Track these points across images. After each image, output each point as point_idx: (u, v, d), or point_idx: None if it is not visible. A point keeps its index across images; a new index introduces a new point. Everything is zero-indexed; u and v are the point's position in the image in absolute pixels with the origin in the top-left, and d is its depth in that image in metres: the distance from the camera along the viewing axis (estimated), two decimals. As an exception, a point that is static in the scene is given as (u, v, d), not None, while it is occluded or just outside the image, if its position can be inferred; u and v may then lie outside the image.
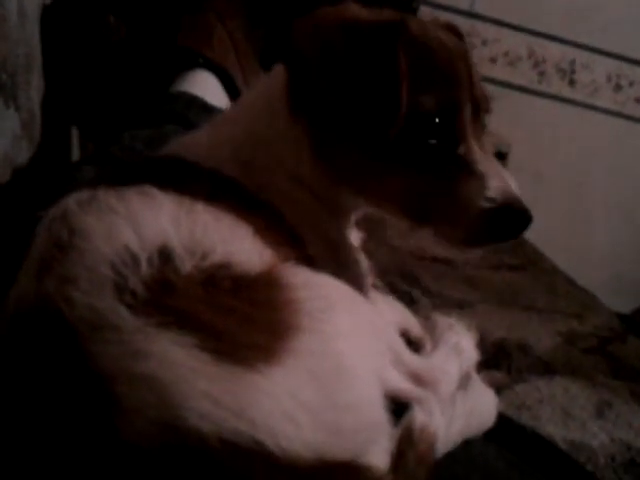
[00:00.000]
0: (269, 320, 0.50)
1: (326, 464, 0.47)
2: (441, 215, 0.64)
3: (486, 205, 0.62)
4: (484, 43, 2.20)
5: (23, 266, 0.55)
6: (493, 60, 2.21)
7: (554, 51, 2.23)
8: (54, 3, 1.34)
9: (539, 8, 2.17)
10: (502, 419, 0.68)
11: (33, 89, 1.15)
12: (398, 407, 0.57)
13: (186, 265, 0.52)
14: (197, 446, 0.44)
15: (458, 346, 0.68)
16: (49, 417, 0.46)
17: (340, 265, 0.70)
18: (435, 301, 1.06)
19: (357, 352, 0.53)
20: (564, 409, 0.80)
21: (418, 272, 1.17)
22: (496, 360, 0.91)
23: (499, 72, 2.22)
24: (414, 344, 0.68)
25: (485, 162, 0.64)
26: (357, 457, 0.50)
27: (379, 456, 0.53)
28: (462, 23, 2.12)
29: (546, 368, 0.93)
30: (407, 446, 0.56)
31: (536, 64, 2.24)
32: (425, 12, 1.87)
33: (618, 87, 2.28)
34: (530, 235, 1.54)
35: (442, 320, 0.73)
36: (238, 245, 0.56)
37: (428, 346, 0.69)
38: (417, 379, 0.61)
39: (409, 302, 0.92)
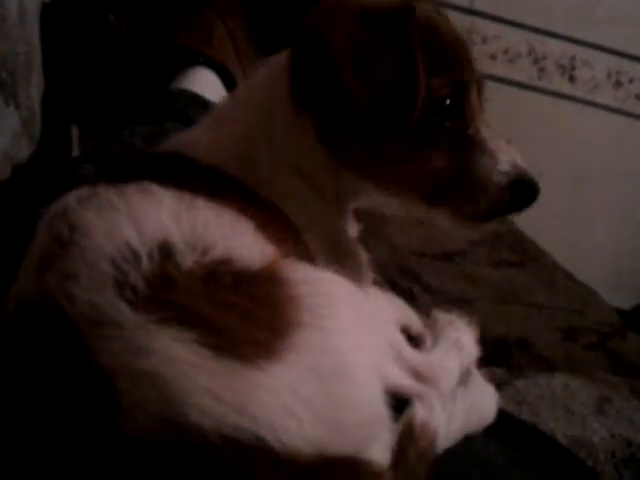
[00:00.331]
0: (270, 316, 0.50)
1: (326, 460, 0.47)
2: (457, 193, 0.68)
3: (501, 179, 0.66)
4: (484, 40, 2.19)
5: (24, 263, 0.55)
6: (493, 57, 2.21)
7: (554, 48, 2.22)
8: (54, 1, 1.33)
9: (539, 5, 2.17)
10: (502, 415, 0.68)
11: (33, 87, 1.15)
12: (399, 403, 0.57)
13: (187, 260, 0.52)
14: (198, 442, 0.44)
15: (458, 342, 0.68)
16: (50, 414, 0.47)
17: (340, 258, 0.70)
18: (435, 297, 1.06)
19: (358, 348, 0.53)
20: (564, 405, 0.80)
21: (418, 269, 1.17)
22: (496, 356, 0.91)
23: (499, 69, 2.22)
24: (414, 340, 0.68)
25: (493, 139, 0.68)
26: (357, 453, 0.50)
27: (380, 452, 0.53)
28: (462, 20, 2.12)
29: (546, 364, 0.93)
30: (408, 442, 0.56)
31: (536, 61, 2.23)
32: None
33: (618, 84, 2.28)
34: (530, 231, 1.54)
35: (442, 316, 0.73)
36: (239, 240, 0.56)
37: (428, 342, 0.69)
38: (418, 375, 0.61)
39: (409, 298, 0.92)
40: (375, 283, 0.78)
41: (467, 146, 0.67)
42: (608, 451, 0.74)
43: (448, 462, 0.59)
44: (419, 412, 0.58)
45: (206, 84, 1.30)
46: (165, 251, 0.51)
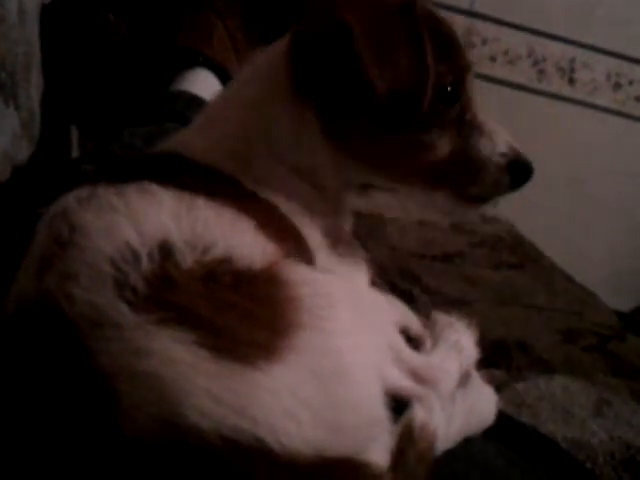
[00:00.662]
0: (269, 317, 0.50)
1: (326, 461, 0.47)
2: (458, 175, 0.71)
3: (500, 160, 0.70)
4: (484, 42, 2.19)
5: (23, 263, 0.55)
6: (493, 59, 2.21)
7: (554, 50, 2.22)
8: (54, 2, 1.33)
9: (539, 7, 2.17)
10: (502, 417, 0.68)
11: (33, 88, 1.15)
12: (398, 405, 0.57)
13: (187, 260, 0.51)
14: (198, 443, 0.44)
15: (458, 344, 0.68)
16: (50, 414, 0.46)
17: (338, 256, 0.70)
18: (435, 299, 1.06)
19: (357, 349, 0.53)
20: (564, 407, 0.80)
21: (418, 270, 1.17)
22: (496, 358, 0.91)
23: (499, 71, 2.22)
24: (414, 342, 0.68)
25: (489, 122, 0.72)
26: (357, 454, 0.50)
27: (379, 453, 0.53)
28: (462, 22, 2.12)
29: (546, 366, 0.93)
30: (407, 444, 0.56)
31: (536, 63, 2.24)
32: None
33: (618, 86, 2.28)
34: (529, 233, 1.54)
35: (442, 318, 0.73)
36: (240, 239, 0.56)
37: (428, 344, 0.69)
38: (417, 377, 0.61)
39: (409, 300, 0.92)
40: (374, 284, 0.78)
41: (467, 130, 0.71)
42: (607, 453, 0.74)
43: (447, 464, 0.59)
44: (418, 414, 0.58)
45: (206, 86, 1.29)
46: (165, 251, 0.51)
